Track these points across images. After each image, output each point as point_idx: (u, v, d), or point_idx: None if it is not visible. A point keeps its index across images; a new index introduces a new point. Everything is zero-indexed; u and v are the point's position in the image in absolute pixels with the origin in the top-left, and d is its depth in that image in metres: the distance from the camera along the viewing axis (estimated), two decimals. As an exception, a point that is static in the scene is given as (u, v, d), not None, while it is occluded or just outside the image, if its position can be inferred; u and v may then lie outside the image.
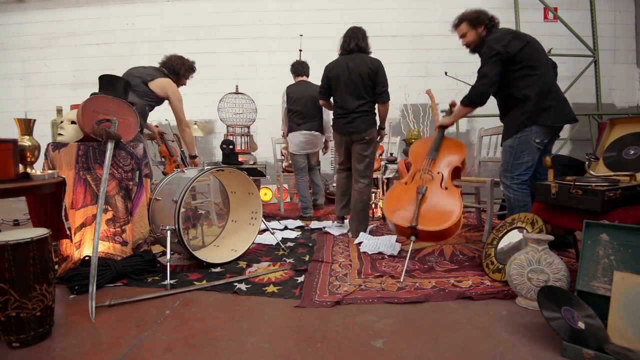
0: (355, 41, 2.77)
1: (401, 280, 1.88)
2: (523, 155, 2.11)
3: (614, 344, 1.16)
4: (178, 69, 2.96)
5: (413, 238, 2.05)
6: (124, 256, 2.05)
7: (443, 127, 2.49)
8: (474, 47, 2.31)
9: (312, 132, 3.57)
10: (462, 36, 2.33)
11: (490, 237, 2.05)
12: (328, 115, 3.48)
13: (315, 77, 5.23)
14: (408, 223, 2.06)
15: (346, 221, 3.10)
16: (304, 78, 3.72)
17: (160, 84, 2.83)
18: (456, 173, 2.38)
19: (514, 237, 1.94)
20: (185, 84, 3.11)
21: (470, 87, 2.31)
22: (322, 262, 2.20)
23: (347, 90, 2.74)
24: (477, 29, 2.26)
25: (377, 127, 2.89)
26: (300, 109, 3.53)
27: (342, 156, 2.99)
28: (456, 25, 2.36)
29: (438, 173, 2.31)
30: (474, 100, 2.20)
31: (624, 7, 5.28)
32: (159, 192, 2.25)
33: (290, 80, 3.79)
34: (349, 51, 2.79)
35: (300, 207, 3.73)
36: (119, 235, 2.05)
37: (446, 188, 2.21)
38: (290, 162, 3.82)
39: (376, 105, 2.83)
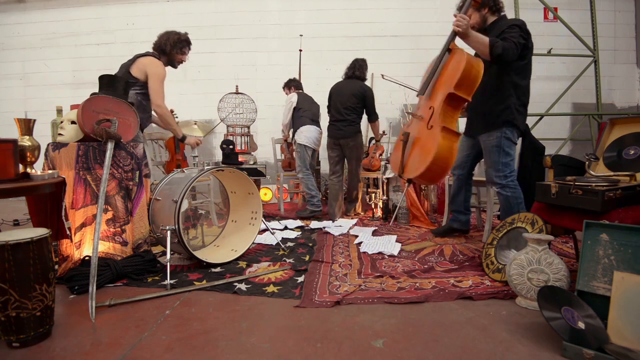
0: (353, 70, 3.57)
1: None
2: (509, 152, 2.18)
3: (614, 344, 1.16)
4: (164, 47, 2.71)
5: (407, 184, 2.31)
6: (124, 256, 2.05)
7: (456, 36, 2.06)
8: (477, 29, 2.24)
9: (320, 130, 3.85)
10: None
11: (490, 237, 2.05)
12: None
13: (315, 76, 5.24)
14: (397, 171, 2.22)
15: (343, 219, 3.50)
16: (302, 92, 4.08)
17: (139, 65, 2.56)
18: (455, 102, 1.99)
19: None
20: (183, 61, 2.83)
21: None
22: (322, 262, 2.20)
23: (339, 102, 3.53)
24: (482, 10, 2.23)
25: (374, 140, 3.80)
26: (313, 111, 3.81)
27: (334, 163, 3.64)
28: (460, 8, 2.25)
29: (430, 108, 2.03)
30: (506, 55, 1.98)
31: (624, 7, 5.28)
32: (159, 192, 2.25)
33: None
34: (349, 77, 3.60)
35: (315, 202, 3.60)
36: (119, 235, 2.05)
37: (431, 127, 1.97)
38: (294, 158, 3.85)
39: (366, 122, 3.62)
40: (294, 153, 3.85)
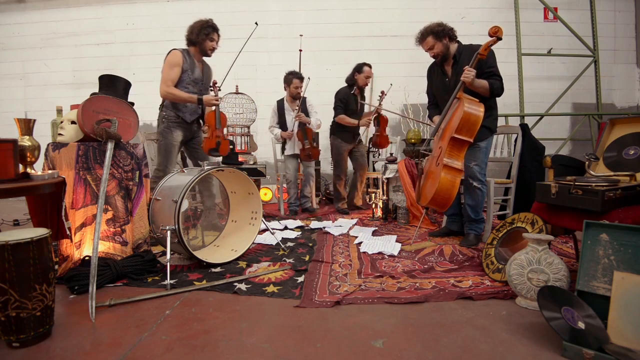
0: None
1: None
2: (488, 155, 2.49)
3: (614, 344, 1.16)
4: (191, 38, 2.78)
5: (425, 209, 2.67)
6: (124, 256, 2.05)
7: (464, 85, 2.29)
8: (441, 57, 2.47)
9: None
10: (430, 48, 2.48)
11: (490, 237, 2.05)
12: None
13: (315, 76, 5.22)
14: (416, 199, 2.56)
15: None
16: None
17: None
18: (459, 143, 2.23)
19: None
20: (214, 47, 2.84)
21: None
22: (322, 262, 2.20)
23: None
24: (443, 40, 2.43)
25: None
26: None
27: None
28: (421, 40, 2.51)
29: (439, 148, 2.32)
30: (498, 94, 2.36)
31: (624, 7, 5.28)
32: (159, 192, 2.25)
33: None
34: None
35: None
36: (119, 235, 2.06)
37: (438, 164, 2.25)
38: (314, 148, 3.79)
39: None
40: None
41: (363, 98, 3.88)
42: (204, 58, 2.91)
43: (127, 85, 2.33)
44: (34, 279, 1.28)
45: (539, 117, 4.65)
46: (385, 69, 5.17)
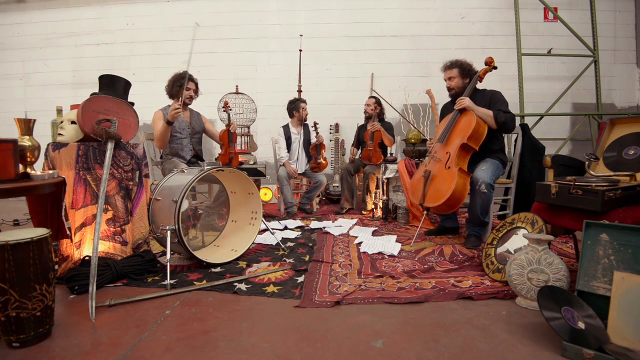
0: None
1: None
2: (497, 172, 2.53)
3: (614, 344, 1.16)
4: (169, 92, 3.02)
5: (425, 212, 2.60)
6: (124, 256, 2.05)
7: (462, 110, 2.50)
8: (454, 93, 2.62)
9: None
10: (450, 79, 2.62)
11: (490, 237, 2.05)
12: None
13: (315, 76, 5.23)
14: (418, 200, 2.54)
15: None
16: None
17: None
18: (466, 150, 2.42)
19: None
20: (191, 96, 3.05)
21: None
22: (322, 262, 2.20)
23: None
24: (465, 79, 2.59)
25: None
26: None
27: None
28: (448, 67, 2.63)
29: (447, 153, 2.46)
30: (507, 126, 2.43)
31: (624, 7, 5.27)
32: (159, 192, 2.25)
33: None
34: None
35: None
36: (119, 234, 2.05)
37: (449, 167, 2.40)
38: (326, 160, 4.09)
39: None
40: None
41: (382, 118, 4.05)
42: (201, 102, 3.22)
43: (127, 85, 2.33)
44: (34, 279, 1.28)
45: (539, 117, 4.65)
46: (385, 69, 5.17)
